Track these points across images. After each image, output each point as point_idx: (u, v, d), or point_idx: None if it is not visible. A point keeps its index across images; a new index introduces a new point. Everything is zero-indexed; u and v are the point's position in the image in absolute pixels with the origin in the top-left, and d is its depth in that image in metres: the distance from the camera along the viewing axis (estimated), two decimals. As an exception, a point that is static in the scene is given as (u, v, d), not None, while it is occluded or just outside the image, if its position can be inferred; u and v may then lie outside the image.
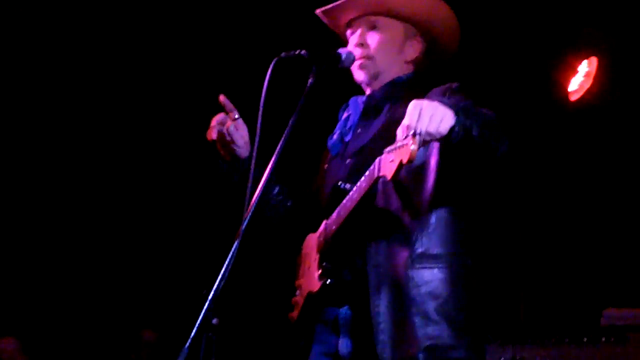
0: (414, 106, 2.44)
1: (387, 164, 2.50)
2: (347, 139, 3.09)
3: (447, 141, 2.50)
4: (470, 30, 3.19)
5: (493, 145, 2.60)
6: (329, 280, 2.84)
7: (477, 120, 2.53)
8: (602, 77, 5.83)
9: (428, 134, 2.43)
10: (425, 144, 2.47)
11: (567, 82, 5.88)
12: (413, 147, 2.36)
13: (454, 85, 2.88)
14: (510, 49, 5.78)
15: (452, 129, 2.46)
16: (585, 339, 4.94)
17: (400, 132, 2.45)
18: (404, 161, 2.39)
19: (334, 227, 2.84)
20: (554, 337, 4.99)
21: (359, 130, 3.05)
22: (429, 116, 2.42)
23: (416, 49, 3.09)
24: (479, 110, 2.64)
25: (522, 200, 6.34)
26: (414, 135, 2.38)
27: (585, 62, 5.86)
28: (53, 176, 6.84)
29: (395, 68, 3.07)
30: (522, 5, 5.55)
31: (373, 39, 3.06)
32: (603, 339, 4.91)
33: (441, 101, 2.50)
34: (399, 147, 2.43)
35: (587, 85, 5.85)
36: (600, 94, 5.85)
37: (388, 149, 2.50)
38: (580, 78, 5.86)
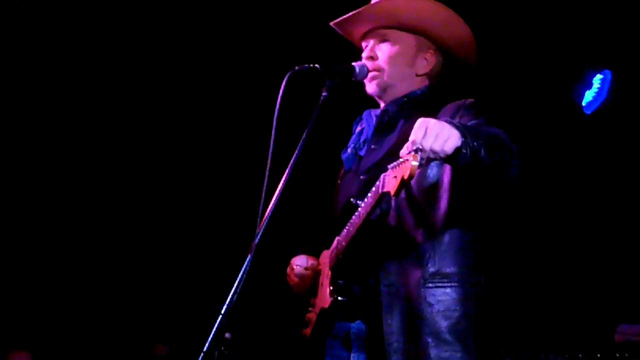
0: (420, 123, 2.44)
1: (390, 180, 2.50)
2: (361, 153, 3.08)
3: (453, 162, 2.49)
4: (484, 45, 3.17)
5: (502, 168, 2.59)
6: (340, 297, 2.83)
7: (486, 142, 2.50)
8: (616, 91, 5.81)
9: (433, 151, 2.41)
10: (429, 162, 2.48)
11: (582, 95, 5.86)
12: (414, 163, 2.36)
13: (468, 101, 2.87)
14: (525, 63, 5.77)
15: (459, 150, 2.44)
16: (599, 355, 4.91)
17: (405, 148, 2.44)
18: (405, 177, 2.39)
19: (344, 243, 2.83)
20: (567, 352, 4.96)
21: (372, 146, 3.03)
22: (434, 134, 2.40)
23: (430, 62, 3.08)
24: (489, 130, 2.62)
25: (536, 215, 6.32)
26: (417, 151, 2.37)
27: (599, 76, 5.85)
28: (62, 190, 6.84)
29: (406, 81, 3.06)
30: (538, 19, 5.54)
31: (382, 51, 3.06)
32: (617, 355, 4.87)
33: (449, 121, 2.48)
34: (401, 163, 2.43)
35: (602, 99, 5.83)
36: (614, 108, 5.83)
37: (392, 165, 2.50)
38: (594, 92, 5.85)
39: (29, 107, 6.42)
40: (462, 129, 2.46)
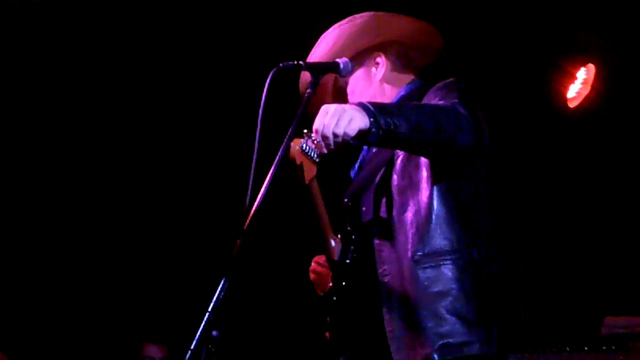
0: (322, 110, 2.49)
1: None
2: (361, 157, 3.13)
3: (365, 142, 2.53)
4: (469, 38, 3.18)
5: (433, 139, 2.58)
6: (333, 297, 2.85)
7: (409, 118, 2.52)
8: (600, 84, 5.83)
9: (335, 135, 2.46)
10: (338, 145, 2.51)
11: (566, 89, 5.88)
12: (296, 147, 2.54)
13: (448, 80, 2.89)
14: (509, 57, 5.78)
15: (368, 131, 2.46)
16: (586, 348, 4.93)
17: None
18: (297, 162, 2.56)
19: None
20: (555, 346, 4.98)
21: (372, 149, 3.06)
22: (336, 119, 2.45)
23: (382, 64, 3.11)
24: (424, 105, 2.67)
25: (521, 208, 6.34)
26: (307, 135, 2.51)
27: (583, 70, 5.87)
28: (43, 188, 6.81)
29: (385, 92, 3.08)
30: (521, 12, 5.55)
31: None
32: (604, 348, 4.90)
33: (359, 104, 2.51)
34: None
35: (585, 93, 5.85)
36: (598, 101, 5.85)
37: None
38: (579, 85, 5.86)
39: (27, 107, 6.40)
40: (372, 110, 2.48)
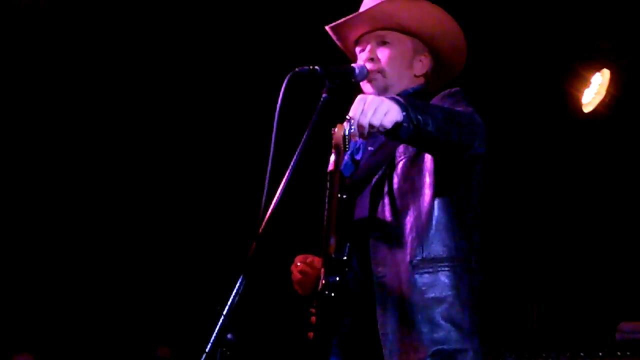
0: (359, 99, 2.48)
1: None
2: (357, 157, 3.09)
3: (397, 137, 2.52)
4: (485, 43, 3.18)
5: (458, 144, 2.60)
6: (330, 293, 2.82)
7: (436, 118, 2.53)
8: (614, 89, 5.82)
9: (371, 125, 2.45)
10: (370, 135, 2.51)
11: (581, 94, 5.87)
12: (339, 132, 2.48)
13: (453, 90, 2.90)
14: (524, 62, 5.77)
15: (400, 125, 2.47)
16: (600, 354, 4.91)
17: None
18: (341, 147, 2.51)
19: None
20: (569, 351, 4.97)
21: (369, 148, 3.04)
22: (373, 109, 2.45)
23: (425, 64, 3.10)
24: (447, 108, 2.67)
25: (536, 213, 6.33)
26: (348, 120, 2.45)
27: (598, 75, 5.86)
28: (62, 191, 6.85)
29: (404, 82, 3.07)
30: (536, 18, 5.55)
31: (383, 53, 3.07)
32: (618, 353, 4.88)
33: (391, 97, 2.52)
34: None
35: (600, 97, 5.84)
36: (613, 106, 5.84)
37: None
38: (593, 90, 5.85)
39: (29, 107, 6.42)
40: (405, 104, 2.49)
